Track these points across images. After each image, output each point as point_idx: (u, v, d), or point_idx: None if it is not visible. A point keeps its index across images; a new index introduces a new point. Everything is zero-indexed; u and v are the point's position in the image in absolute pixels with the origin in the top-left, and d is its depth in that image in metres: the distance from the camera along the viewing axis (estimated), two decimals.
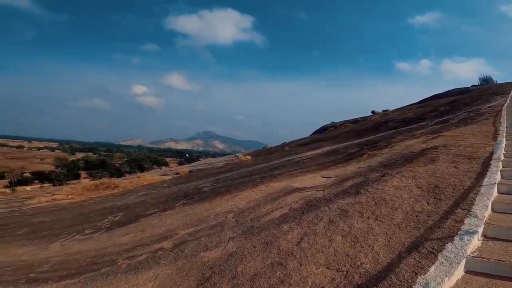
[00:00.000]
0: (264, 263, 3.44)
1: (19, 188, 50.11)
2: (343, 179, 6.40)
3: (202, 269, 3.67)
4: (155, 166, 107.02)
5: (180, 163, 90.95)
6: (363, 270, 2.81)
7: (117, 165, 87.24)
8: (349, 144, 14.84)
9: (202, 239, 4.70)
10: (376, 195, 4.68)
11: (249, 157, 29.86)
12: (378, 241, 3.28)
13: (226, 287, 3.14)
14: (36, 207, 19.45)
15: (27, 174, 58.14)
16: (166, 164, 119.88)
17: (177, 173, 33.61)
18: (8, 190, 47.16)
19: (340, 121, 41.70)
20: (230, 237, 4.49)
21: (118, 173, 73.43)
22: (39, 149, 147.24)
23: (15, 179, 52.24)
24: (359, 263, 2.95)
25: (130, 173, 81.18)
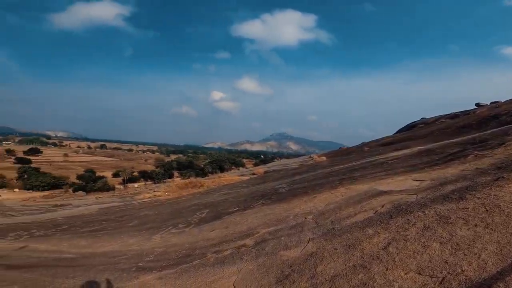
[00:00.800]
0: (345, 265, 3.32)
1: (129, 185, 61.40)
2: (442, 183, 5.49)
3: (281, 266, 3.74)
4: (233, 167, 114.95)
5: (256, 164, 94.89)
6: (463, 277, 2.46)
7: (201, 165, 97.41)
8: (447, 143, 12.65)
9: (282, 238, 4.77)
10: (487, 201, 3.86)
11: (324, 158, 28.84)
12: (487, 249, 2.74)
13: (304, 286, 3.14)
14: (142, 202, 23.25)
15: (135, 173, 70.52)
16: (243, 165, 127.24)
17: (253, 174, 35.13)
18: (121, 187, 58.35)
19: (433, 117, 36.05)
20: (309, 238, 4.44)
21: (203, 173, 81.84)
22: (143, 151, 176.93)
23: (127, 177, 64.07)
24: (460, 270, 2.56)
25: (212, 173, 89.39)
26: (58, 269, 5.57)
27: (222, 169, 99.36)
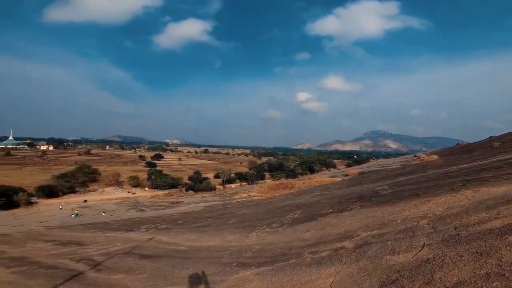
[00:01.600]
0: (474, 272, 2.77)
1: (227, 185, 67.89)
2: None
3: (387, 271, 3.35)
4: (323, 168, 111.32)
5: (348, 165, 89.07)
6: None
7: (291, 167, 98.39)
8: None
9: (388, 242, 4.25)
10: None
11: (435, 156, 24.31)
12: None
13: None
14: (239, 201, 25.10)
15: (232, 175, 77.49)
16: (334, 166, 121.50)
17: (346, 175, 32.92)
18: (221, 187, 65.12)
19: None
20: (424, 243, 3.80)
21: (293, 174, 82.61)
22: (238, 155, 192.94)
23: (226, 179, 70.85)
24: None
25: (302, 174, 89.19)
26: (176, 260, 6.48)
27: (312, 171, 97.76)
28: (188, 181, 68.13)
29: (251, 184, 69.14)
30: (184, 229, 12.68)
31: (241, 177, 75.31)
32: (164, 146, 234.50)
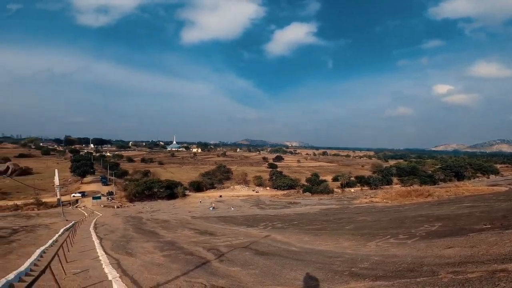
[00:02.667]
0: None
1: (346, 189, 63.69)
2: None
3: None
4: (479, 174, 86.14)
5: None
6: None
7: (429, 172, 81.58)
8: None
9: None
10: None
11: None
12: None
13: None
14: (358, 206, 22.89)
15: (352, 178, 72.21)
16: (495, 172, 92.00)
17: None
18: (339, 190, 61.72)
19: None
20: None
21: (430, 181, 68.24)
22: (360, 157, 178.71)
23: (345, 182, 66.73)
24: None
25: (444, 181, 72.28)
26: (287, 260, 6.39)
27: (460, 177, 77.54)
28: (305, 183, 68.76)
29: (374, 189, 62.14)
30: (298, 230, 12.61)
31: (362, 181, 68.90)
32: (284, 149, 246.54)
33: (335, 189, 61.98)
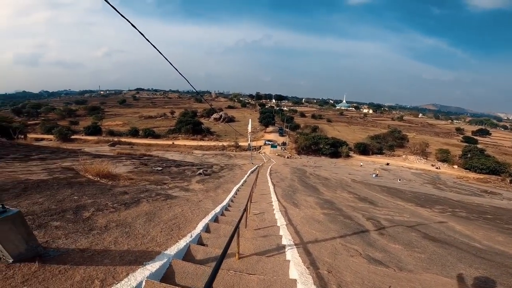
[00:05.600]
0: None
1: None
2: None
3: None
4: None
5: None
6: None
7: None
8: None
9: None
10: None
11: None
12: None
13: None
14: None
15: None
16: None
17: None
18: None
19: None
20: None
21: None
22: None
23: None
24: None
25: None
26: (465, 254, 5.11)
27: None
28: None
29: None
30: (491, 226, 9.54)
31: None
32: (494, 121, 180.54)
33: None
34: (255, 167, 22.77)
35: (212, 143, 59.55)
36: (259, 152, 53.93)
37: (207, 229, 4.51)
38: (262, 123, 78.81)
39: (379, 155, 60.43)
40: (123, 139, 57.52)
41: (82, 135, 62.03)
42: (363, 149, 60.56)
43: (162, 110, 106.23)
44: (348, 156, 55.71)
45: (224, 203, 6.84)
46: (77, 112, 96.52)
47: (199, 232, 4.13)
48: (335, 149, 55.46)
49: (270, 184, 13.13)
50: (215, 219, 5.24)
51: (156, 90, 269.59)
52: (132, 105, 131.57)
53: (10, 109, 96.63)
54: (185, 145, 56.20)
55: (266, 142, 60.58)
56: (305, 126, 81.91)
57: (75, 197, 4.68)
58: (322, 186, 16.13)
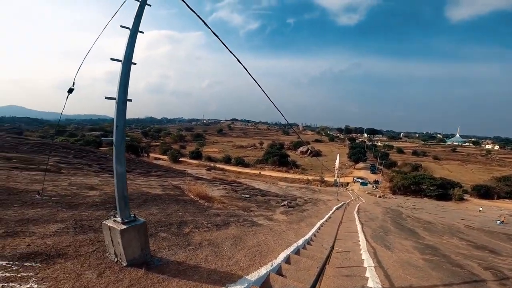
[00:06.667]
0: None
1: None
2: None
3: None
4: None
5: None
6: None
7: None
8: None
9: None
10: None
11: None
12: None
13: None
14: None
15: None
16: None
17: None
18: None
19: None
20: None
21: None
22: None
23: None
24: None
25: None
26: None
27: None
28: None
29: None
30: None
31: None
32: None
33: None
34: (341, 204, 21.83)
35: (297, 176, 59.34)
36: (347, 189, 50.54)
37: (287, 260, 4.40)
38: (352, 158, 74.06)
39: (507, 200, 47.26)
40: (217, 165, 64.05)
41: (187, 158, 72.49)
42: (485, 192, 49.06)
43: (252, 141, 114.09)
44: (462, 199, 45.91)
45: (307, 236, 6.61)
46: (185, 138, 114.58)
47: (279, 262, 4.04)
48: (444, 190, 46.72)
49: (357, 222, 12.38)
50: (297, 252, 5.09)
51: (248, 121, 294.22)
52: (227, 134, 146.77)
53: (140, 131, 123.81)
54: (270, 175, 57.87)
55: (356, 179, 56.31)
56: (403, 163, 72.33)
57: (179, 213, 5.35)
58: (423, 230, 13.90)
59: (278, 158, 69.37)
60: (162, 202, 5.86)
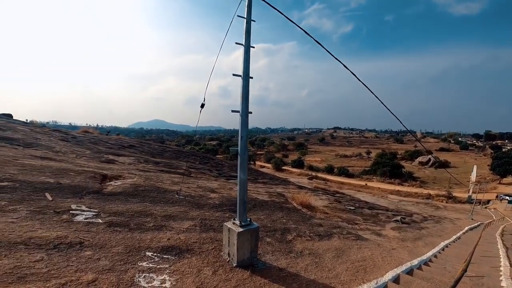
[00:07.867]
0: None
1: None
2: None
3: None
4: None
5: None
6: None
7: None
8: None
9: None
10: None
11: None
12: None
13: None
14: None
15: None
16: None
17: None
18: None
19: None
20: None
21: None
22: None
23: None
24: None
25: None
26: None
27: None
28: None
29: None
30: None
31: None
32: None
33: None
34: (476, 224, 18.14)
35: (414, 190, 50.83)
36: (487, 207, 39.60)
37: (396, 279, 3.91)
38: (496, 171, 57.46)
39: None
40: (319, 174, 62.72)
41: (289, 167, 74.41)
42: None
43: (358, 150, 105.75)
44: None
45: (425, 257, 5.71)
46: (288, 147, 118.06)
47: (385, 280, 3.65)
48: None
49: (500, 246, 10.25)
50: (409, 272, 4.46)
51: (352, 129, 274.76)
52: (329, 143, 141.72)
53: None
54: (379, 188, 51.99)
55: (502, 196, 43.42)
56: None
57: (283, 220, 5.65)
58: None
59: (389, 168, 61.52)
60: (268, 208, 6.34)
